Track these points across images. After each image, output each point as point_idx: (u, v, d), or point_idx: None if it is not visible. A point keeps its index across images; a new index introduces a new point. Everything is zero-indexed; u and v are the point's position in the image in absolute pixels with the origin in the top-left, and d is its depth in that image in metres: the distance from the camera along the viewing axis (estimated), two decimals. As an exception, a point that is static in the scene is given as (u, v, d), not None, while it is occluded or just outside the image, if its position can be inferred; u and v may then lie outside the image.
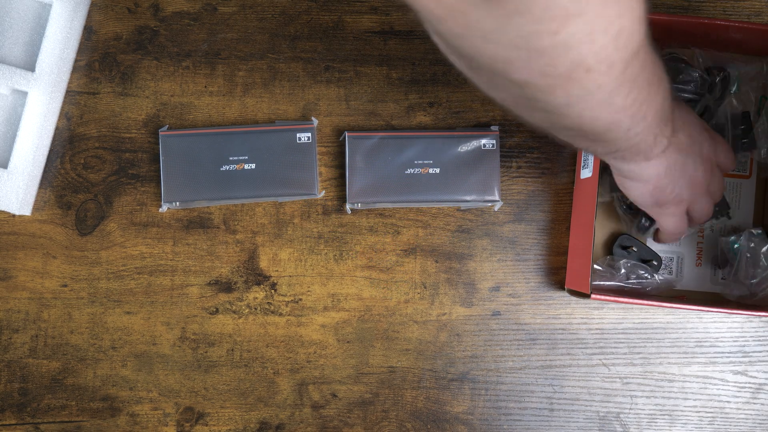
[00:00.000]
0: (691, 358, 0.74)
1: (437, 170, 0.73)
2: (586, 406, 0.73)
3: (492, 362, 0.73)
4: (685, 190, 0.60)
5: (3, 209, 0.70)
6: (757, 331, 0.74)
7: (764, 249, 0.69)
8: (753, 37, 0.67)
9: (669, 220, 0.63)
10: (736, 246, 0.70)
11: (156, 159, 0.73)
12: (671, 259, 0.73)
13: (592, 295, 0.64)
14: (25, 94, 0.71)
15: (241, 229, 0.73)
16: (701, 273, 0.73)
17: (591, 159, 0.67)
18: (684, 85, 0.68)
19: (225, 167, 0.72)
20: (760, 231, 0.70)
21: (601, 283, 0.70)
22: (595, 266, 0.70)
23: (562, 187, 0.74)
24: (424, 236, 0.74)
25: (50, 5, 0.71)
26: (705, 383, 0.74)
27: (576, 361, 0.73)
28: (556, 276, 0.74)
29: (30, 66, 0.71)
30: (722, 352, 0.74)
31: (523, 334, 0.74)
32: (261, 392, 0.73)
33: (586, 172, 0.69)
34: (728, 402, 0.74)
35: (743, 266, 0.70)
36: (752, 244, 0.69)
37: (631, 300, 0.64)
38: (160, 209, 0.72)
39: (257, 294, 0.73)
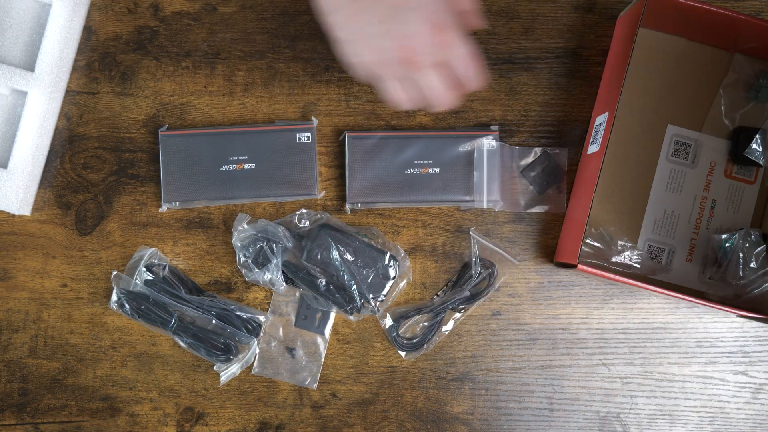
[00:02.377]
0: (691, 358, 0.74)
1: (437, 170, 0.73)
2: (586, 406, 0.73)
3: (492, 362, 0.73)
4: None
5: (2, 209, 0.70)
6: (757, 331, 0.74)
7: (758, 250, 0.69)
8: None
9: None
10: (727, 245, 0.70)
11: (156, 159, 0.73)
12: (662, 250, 0.73)
13: (579, 266, 0.64)
14: (24, 94, 0.71)
15: (241, 229, 0.73)
16: (690, 269, 0.73)
17: (600, 134, 0.68)
18: None
19: (225, 167, 0.72)
20: (758, 232, 0.70)
21: (590, 260, 0.70)
22: (588, 241, 0.70)
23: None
24: (424, 236, 0.73)
25: (50, 5, 0.71)
26: (705, 383, 0.74)
27: (576, 361, 0.73)
28: (556, 276, 0.74)
29: (30, 66, 0.71)
30: (722, 352, 0.74)
31: (523, 334, 0.74)
32: (261, 392, 0.72)
33: (594, 147, 0.69)
34: (728, 402, 0.74)
35: (733, 266, 0.70)
36: (747, 245, 0.69)
37: (616, 277, 0.64)
38: (160, 209, 0.72)
39: (257, 294, 0.73)
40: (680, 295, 0.64)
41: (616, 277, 0.64)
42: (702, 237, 0.73)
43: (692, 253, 0.73)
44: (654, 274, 0.72)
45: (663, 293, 0.64)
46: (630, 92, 0.73)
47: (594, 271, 0.64)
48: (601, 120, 0.69)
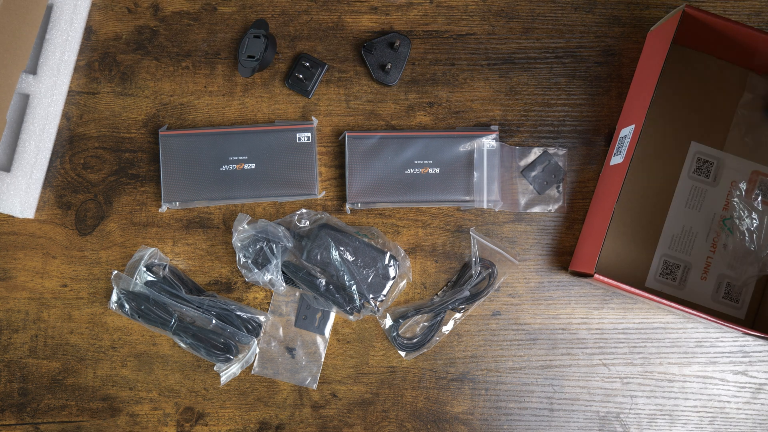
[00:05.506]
0: (691, 358, 0.74)
1: (437, 170, 0.73)
2: (586, 406, 0.73)
3: (492, 362, 0.73)
4: None
5: (6, 212, 0.70)
6: (757, 331, 0.74)
7: None
8: None
9: None
10: None
11: (156, 159, 0.73)
12: (677, 267, 0.73)
13: (595, 276, 0.63)
14: (27, 96, 0.71)
15: (241, 229, 0.73)
16: (704, 287, 0.73)
17: (625, 147, 0.68)
18: None
19: (225, 167, 0.72)
20: None
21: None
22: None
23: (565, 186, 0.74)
24: (424, 236, 0.73)
25: (50, 6, 0.71)
26: (705, 383, 0.74)
27: (576, 361, 0.73)
28: (556, 276, 0.74)
29: (31, 69, 0.71)
30: (722, 352, 0.74)
31: (523, 334, 0.74)
32: (261, 392, 0.72)
33: (617, 159, 0.69)
34: (728, 402, 0.74)
35: None
36: None
37: (632, 290, 0.64)
38: (160, 209, 0.72)
39: (257, 294, 0.73)
40: (694, 312, 0.63)
41: (632, 290, 0.64)
42: (718, 256, 0.73)
43: (707, 271, 0.73)
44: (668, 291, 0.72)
45: (676, 308, 0.64)
46: (656, 106, 0.73)
47: (610, 281, 0.64)
48: (626, 132, 0.69)
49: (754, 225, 0.72)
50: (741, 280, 0.72)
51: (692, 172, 0.73)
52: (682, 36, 0.71)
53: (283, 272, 0.70)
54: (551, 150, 0.74)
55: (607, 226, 0.65)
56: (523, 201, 0.74)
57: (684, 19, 0.65)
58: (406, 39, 0.73)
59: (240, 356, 0.71)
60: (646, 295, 0.64)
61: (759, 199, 0.73)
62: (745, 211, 0.72)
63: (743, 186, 0.73)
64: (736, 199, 0.72)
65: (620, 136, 0.71)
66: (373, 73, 0.73)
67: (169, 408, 0.72)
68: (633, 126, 0.67)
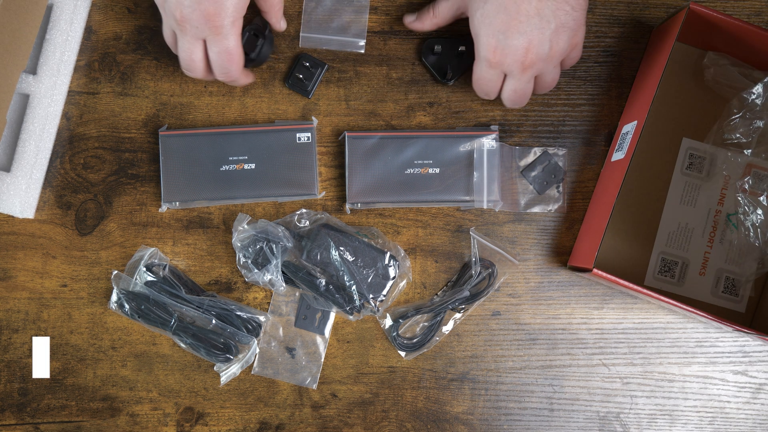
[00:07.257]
0: (691, 358, 0.74)
1: (437, 170, 0.73)
2: (586, 406, 0.73)
3: (492, 362, 0.73)
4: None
5: (6, 212, 0.70)
6: (757, 331, 0.74)
7: None
8: None
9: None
10: None
11: (156, 159, 0.73)
12: (675, 264, 0.73)
13: (594, 270, 0.63)
14: (27, 96, 0.71)
15: (241, 229, 0.73)
16: (703, 283, 0.73)
17: (627, 143, 0.68)
18: None
19: (225, 167, 0.72)
20: None
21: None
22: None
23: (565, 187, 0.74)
24: (424, 236, 0.73)
25: (50, 6, 0.71)
26: (705, 383, 0.74)
27: (576, 361, 0.73)
28: (556, 276, 0.74)
29: (31, 69, 0.71)
30: (722, 352, 0.74)
31: (523, 334, 0.74)
32: (261, 392, 0.73)
33: (619, 155, 0.69)
34: (728, 402, 0.74)
35: None
36: None
37: (630, 285, 0.64)
38: (160, 209, 0.72)
39: (257, 294, 0.73)
40: (691, 309, 0.63)
41: (630, 285, 0.64)
42: (715, 251, 0.73)
43: (705, 266, 0.73)
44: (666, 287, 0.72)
45: (674, 304, 0.64)
46: (653, 103, 0.72)
47: (609, 276, 0.64)
48: (628, 128, 0.69)
49: (760, 221, 0.72)
50: (744, 275, 0.73)
51: (685, 169, 0.73)
52: (684, 34, 0.71)
53: (283, 272, 0.70)
54: (551, 150, 0.74)
55: (606, 221, 0.65)
56: (523, 201, 0.74)
57: (688, 16, 0.66)
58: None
59: (240, 356, 0.71)
60: (644, 290, 0.64)
61: (753, 191, 0.73)
62: (751, 207, 0.72)
63: (749, 181, 0.73)
64: (740, 195, 0.72)
65: (622, 132, 0.71)
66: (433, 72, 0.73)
67: (169, 408, 0.72)
68: (635, 122, 0.67)
